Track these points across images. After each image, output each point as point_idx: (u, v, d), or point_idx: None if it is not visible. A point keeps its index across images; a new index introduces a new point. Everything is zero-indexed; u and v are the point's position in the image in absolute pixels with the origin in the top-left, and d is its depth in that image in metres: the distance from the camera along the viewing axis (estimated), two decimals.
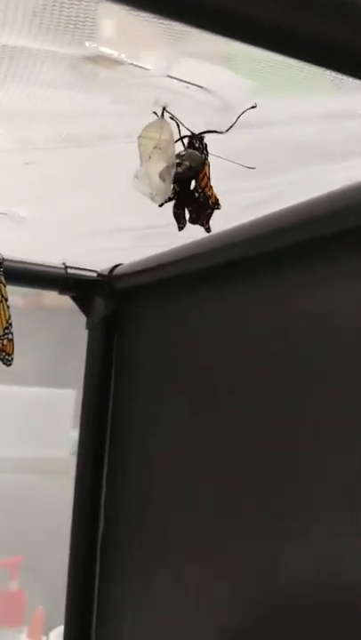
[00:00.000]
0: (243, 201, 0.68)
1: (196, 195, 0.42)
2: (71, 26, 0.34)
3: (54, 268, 0.87)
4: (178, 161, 0.41)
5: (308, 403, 0.61)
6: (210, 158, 0.42)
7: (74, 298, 0.89)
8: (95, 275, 0.87)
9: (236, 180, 0.64)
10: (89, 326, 0.89)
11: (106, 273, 0.87)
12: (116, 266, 0.87)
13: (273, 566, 0.63)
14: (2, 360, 0.70)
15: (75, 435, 0.94)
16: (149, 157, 0.38)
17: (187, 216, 0.43)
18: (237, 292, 0.72)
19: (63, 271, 0.87)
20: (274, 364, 0.66)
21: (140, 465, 0.86)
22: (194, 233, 0.75)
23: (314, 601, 0.58)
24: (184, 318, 0.80)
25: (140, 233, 0.79)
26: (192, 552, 0.74)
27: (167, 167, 0.38)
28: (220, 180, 0.63)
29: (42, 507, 1.33)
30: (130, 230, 0.76)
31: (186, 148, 0.41)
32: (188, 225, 0.72)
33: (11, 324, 0.70)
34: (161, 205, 0.40)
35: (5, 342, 0.69)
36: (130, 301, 0.88)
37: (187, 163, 0.42)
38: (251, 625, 0.66)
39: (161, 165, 0.38)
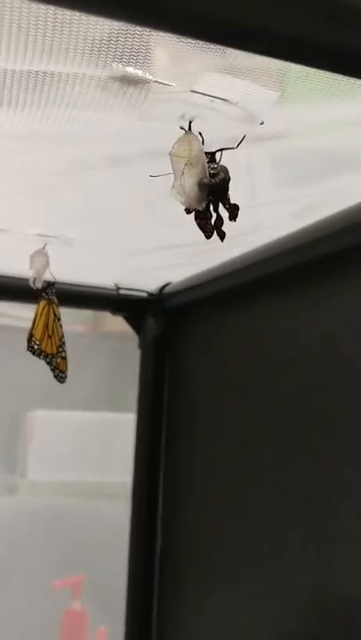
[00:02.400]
0: (286, 211, 0.69)
1: (227, 206, 0.44)
2: (97, 48, 0.36)
3: (106, 289, 0.89)
4: (213, 172, 0.43)
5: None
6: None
7: (126, 318, 0.91)
8: (146, 294, 0.89)
9: (278, 190, 0.65)
10: (141, 345, 0.91)
11: (156, 292, 0.89)
12: (166, 285, 0.88)
13: (327, 575, 0.63)
14: (56, 377, 0.72)
15: None
16: (182, 173, 0.39)
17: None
18: (286, 303, 0.73)
19: (115, 292, 0.89)
20: (326, 374, 0.66)
21: (194, 480, 0.86)
22: (239, 248, 0.77)
23: None
24: (233, 333, 0.81)
25: (188, 250, 0.81)
26: (246, 564, 0.74)
27: (200, 179, 0.40)
28: (262, 190, 0.64)
29: (105, 529, 1.35)
30: (177, 247, 0.78)
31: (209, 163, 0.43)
32: (232, 241, 0.73)
33: (64, 343, 0.72)
34: (188, 212, 0.42)
35: (59, 360, 0.72)
36: (180, 319, 0.90)
37: (221, 174, 0.43)
38: (307, 635, 0.66)
39: (194, 179, 0.39)
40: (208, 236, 0.44)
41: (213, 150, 0.44)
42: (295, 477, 0.68)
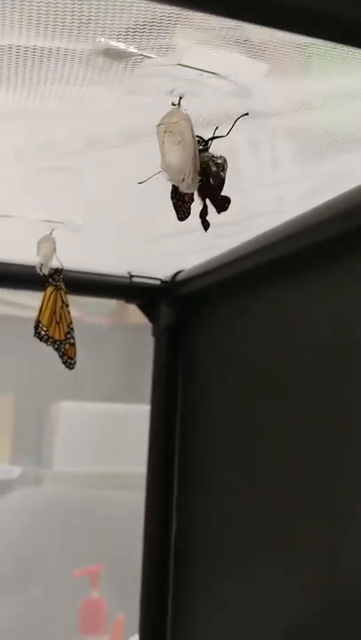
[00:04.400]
0: (294, 192, 0.68)
1: (220, 199, 0.42)
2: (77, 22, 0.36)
3: (120, 277, 0.89)
4: (220, 162, 0.42)
5: None
6: None
7: (139, 306, 0.91)
8: (159, 282, 0.89)
9: (288, 168, 0.63)
10: (155, 333, 0.90)
11: (169, 279, 0.88)
12: (179, 272, 0.88)
13: (343, 564, 0.62)
14: (64, 364, 0.72)
15: None
16: (163, 143, 0.38)
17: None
18: (302, 286, 0.71)
19: (128, 280, 0.89)
20: (344, 359, 0.64)
21: (210, 471, 0.85)
22: (249, 233, 0.76)
23: None
24: (248, 318, 0.80)
25: (199, 235, 0.79)
26: (261, 553, 0.73)
27: (182, 150, 0.39)
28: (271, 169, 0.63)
29: (129, 519, 1.35)
30: (189, 232, 0.77)
31: (200, 151, 0.42)
32: (252, 223, 0.72)
33: (72, 329, 0.72)
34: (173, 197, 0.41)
35: (67, 346, 0.71)
36: (194, 306, 0.89)
37: (226, 165, 0.42)
38: (322, 626, 0.65)
39: (174, 149, 0.38)
40: (181, 218, 0.43)
41: (206, 139, 0.43)
42: (311, 465, 0.67)
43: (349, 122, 0.51)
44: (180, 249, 0.83)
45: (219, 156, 0.43)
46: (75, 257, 0.82)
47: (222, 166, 0.42)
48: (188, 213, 0.44)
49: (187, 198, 0.43)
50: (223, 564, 0.81)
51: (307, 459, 0.68)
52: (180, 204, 0.42)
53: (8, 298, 1.84)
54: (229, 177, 0.42)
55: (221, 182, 0.42)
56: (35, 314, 0.70)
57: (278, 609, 0.70)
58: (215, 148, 0.43)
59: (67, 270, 0.81)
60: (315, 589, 0.65)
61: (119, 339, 1.96)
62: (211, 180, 0.42)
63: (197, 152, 0.40)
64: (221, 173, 0.42)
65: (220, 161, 0.42)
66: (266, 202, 0.71)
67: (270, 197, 0.70)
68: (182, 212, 0.43)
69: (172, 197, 0.42)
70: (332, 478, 0.63)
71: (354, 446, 0.61)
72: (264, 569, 0.73)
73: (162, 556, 0.88)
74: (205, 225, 0.43)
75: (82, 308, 1.99)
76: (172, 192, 0.41)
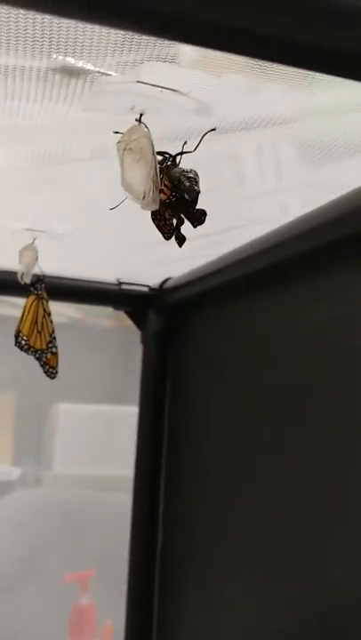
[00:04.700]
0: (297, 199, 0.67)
1: (194, 210, 0.42)
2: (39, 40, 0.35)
3: (108, 284, 0.89)
4: (191, 175, 0.42)
5: None
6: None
7: (128, 313, 0.90)
8: (147, 289, 0.88)
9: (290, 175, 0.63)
10: (143, 341, 0.90)
11: (157, 287, 0.88)
12: (167, 279, 0.87)
13: (333, 571, 0.61)
14: (46, 373, 0.72)
15: None
16: (122, 161, 0.38)
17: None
18: (291, 294, 0.71)
19: (117, 287, 0.88)
20: (333, 365, 0.64)
21: (196, 477, 0.85)
22: (239, 240, 0.76)
23: None
24: (236, 326, 0.80)
25: (190, 243, 0.79)
26: (248, 557, 0.73)
27: (142, 168, 0.38)
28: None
29: (122, 522, 1.35)
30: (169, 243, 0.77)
31: (169, 168, 0.41)
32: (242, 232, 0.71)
33: (54, 338, 0.72)
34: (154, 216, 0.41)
35: (49, 356, 0.71)
36: (182, 314, 0.89)
37: (198, 178, 0.42)
38: (311, 630, 0.64)
39: (134, 166, 0.38)
40: (167, 237, 0.43)
41: (174, 154, 0.42)
42: (300, 471, 0.67)
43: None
44: (171, 256, 0.83)
45: (189, 169, 0.42)
46: (63, 264, 0.82)
47: (194, 180, 0.42)
48: (173, 230, 0.43)
49: (167, 216, 0.43)
50: (210, 568, 0.80)
51: (298, 464, 0.67)
52: (163, 224, 0.42)
53: (9, 298, 1.84)
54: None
55: (196, 195, 0.42)
56: None
57: (266, 615, 0.70)
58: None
59: (56, 277, 0.81)
60: (300, 596, 0.64)
61: (123, 341, 1.96)
62: (185, 195, 0.41)
63: (157, 169, 0.39)
64: (195, 187, 0.42)
65: (191, 175, 0.42)
66: (265, 210, 0.70)
67: (270, 206, 0.70)
68: (166, 230, 0.42)
69: (153, 220, 0.42)
70: (325, 483, 0.63)
71: (345, 453, 0.61)
72: (252, 573, 0.72)
73: (148, 559, 0.88)
74: (180, 241, 0.43)
75: (85, 310, 1.99)
76: (152, 215, 0.41)
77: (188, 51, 0.37)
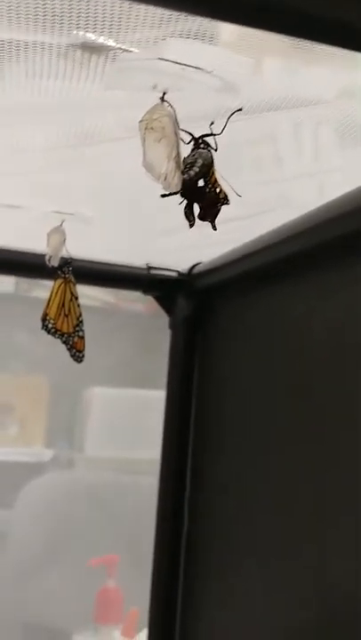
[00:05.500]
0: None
1: (207, 190, 0.41)
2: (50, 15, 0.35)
3: (137, 268, 0.88)
4: (191, 160, 0.41)
5: None
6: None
7: (156, 298, 0.90)
8: (176, 274, 0.88)
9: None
10: (171, 326, 0.90)
11: (186, 272, 0.87)
12: (196, 264, 0.86)
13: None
14: (73, 357, 0.72)
15: None
16: (144, 140, 0.37)
17: (195, 213, 0.42)
18: (321, 280, 0.69)
19: (146, 271, 0.88)
20: None
21: (223, 462, 0.85)
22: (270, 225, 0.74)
23: None
24: (265, 312, 0.79)
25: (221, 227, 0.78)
26: (274, 545, 0.72)
27: (163, 147, 0.37)
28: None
29: (151, 506, 1.35)
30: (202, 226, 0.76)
31: (193, 149, 0.41)
32: (273, 218, 0.70)
33: (81, 322, 0.71)
34: (164, 196, 0.40)
35: (76, 339, 0.71)
36: (211, 299, 0.88)
37: (200, 161, 0.41)
38: (339, 624, 0.63)
39: (155, 146, 0.37)
40: (191, 225, 0.42)
41: (197, 136, 0.42)
42: (327, 456, 0.66)
43: None
44: (201, 241, 0.82)
45: (193, 153, 0.42)
46: (92, 248, 0.82)
47: (190, 164, 0.41)
48: (195, 219, 0.43)
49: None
50: (235, 554, 0.80)
51: (324, 449, 0.66)
52: (189, 212, 0.41)
53: (44, 282, 1.85)
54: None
55: (191, 181, 0.41)
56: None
57: (291, 603, 0.69)
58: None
59: (84, 261, 0.80)
60: (329, 581, 0.63)
61: (156, 326, 1.95)
62: (197, 177, 0.41)
63: (180, 150, 0.38)
64: (190, 171, 0.41)
65: (189, 160, 0.41)
66: (300, 192, 0.69)
67: (306, 188, 0.68)
68: (191, 218, 0.42)
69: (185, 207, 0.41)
70: (351, 470, 0.62)
71: None
72: (279, 561, 0.72)
73: (173, 543, 0.88)
74: (191, 222, 0.42)
75: (119, 295, 2.00)
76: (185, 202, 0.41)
77: (224, 29, 0.36)
